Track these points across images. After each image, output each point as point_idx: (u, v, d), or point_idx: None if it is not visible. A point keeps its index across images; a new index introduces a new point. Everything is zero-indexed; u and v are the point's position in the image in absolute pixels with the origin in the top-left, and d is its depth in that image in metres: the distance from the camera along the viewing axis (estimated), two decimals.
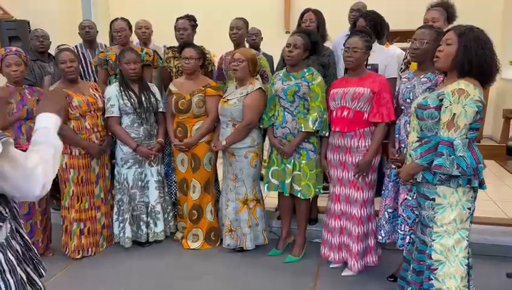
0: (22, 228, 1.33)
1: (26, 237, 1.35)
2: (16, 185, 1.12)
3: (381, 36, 3.12)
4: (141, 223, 3.26)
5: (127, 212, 3.22)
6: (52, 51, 3.93)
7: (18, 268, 1.22)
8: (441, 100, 1.95)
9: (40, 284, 1.33)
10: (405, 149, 2.47)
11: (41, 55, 3.77)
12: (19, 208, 1.32)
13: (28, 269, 1.28)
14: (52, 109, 1.34)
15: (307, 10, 3.34)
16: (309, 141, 2.89)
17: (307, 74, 2.83)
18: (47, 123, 1.31)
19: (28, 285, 1.26)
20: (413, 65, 2.79)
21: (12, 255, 1.21)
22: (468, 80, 1.93)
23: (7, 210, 1.22)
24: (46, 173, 1.17)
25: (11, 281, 1.16)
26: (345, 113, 2.65)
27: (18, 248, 1.27)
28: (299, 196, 2.92)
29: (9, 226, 1.25)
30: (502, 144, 5.37)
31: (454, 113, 1.89)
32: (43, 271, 1.39)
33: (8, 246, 1.22)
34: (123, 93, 3.11)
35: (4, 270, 1.15)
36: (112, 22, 3.56)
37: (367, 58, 2.69)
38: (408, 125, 2.44)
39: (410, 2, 5.85)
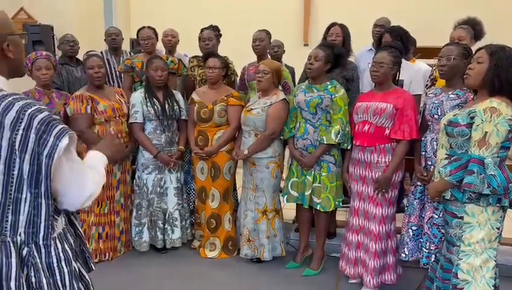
0: (76, 220, 1.37)
1: (80, 229, 1.38)
2: (67, 187, 1.16)
3: (407, 52, 3.11)
4: (157, 229, 3.27)
5: (145, 216, 3.24)
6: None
7: (73, 261, 1.25)
8: (472, 118, 1.94)
9: (87, 278, 1.35)
10: (431, 166, 2.45)
11: (70, 59, 3.84)
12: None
13: (78, 264, 1.30)
14: (105, 151, 1.42)
15: (333, 24, 3.35)
16: (330, 154, 2.88)
17: (330, 86, 2.84)
18: (94, 162, 1.37)
19: (79, 279, 1.29)
20: (440, 81, 2.79)
21: (68, 246, 1.25)
22: (499, 98, 1.92)
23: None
24: (96, 184, 1.22)
25: (65, 269, 1.20)
26: (366, 127, 2.65)
27: (72, 241, 1.30)
28: (318, 208, 2.91)
29: (63, 219, 1.29)
30: None
31: (486, 132, 1.88)
32: (92, 265, 1.42)
33: (65, 237, 1.26)
34: (147, 100, 3.15)
35: (60, 259, 1.19)
36: (139, 30, 3.63)
37: (398, 74, 2.68)
38: (435, 142, 2.43)
39: (432, 19, 5.88)
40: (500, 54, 1.94)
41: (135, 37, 3.87)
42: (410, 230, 2.60)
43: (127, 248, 3.36)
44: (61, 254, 1.20)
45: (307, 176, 2.92)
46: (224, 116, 3.18)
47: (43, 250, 1.17)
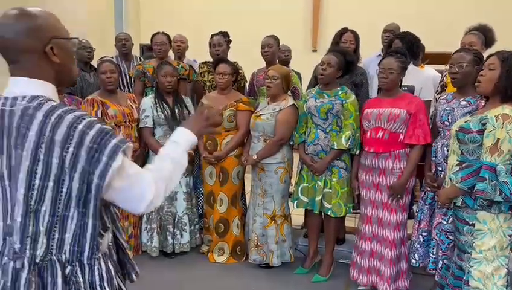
0: (119, 232, 1.31)
1: (122, 240, 1.33)
2: (125, 198, 1.12)
3: (416, 58, 3.11)
4: (167, 233, 3.28)
5: (155, 221, 3.25)
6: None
7: (115, 277, 1.22)
8: (484, 124, 1.94)
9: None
10: (442, 172, 2.44)
11: (84, 65, 3.89)
12: (118, 212, 1.31)
13: (118, 279, 1.27)
14: (192, 127, 1.33)
15: (345, 30, 3.34)
16: (341, 159, 2.88)
17: (341, 92, 2.84)
18: (179, 138, 1.29)
19: None
20: (450, 87, 2.78)
21: (112, 264, 1.22)
22: (511, 104, 1.91)
23: (110, 218, 1.23)
24: (157, 190, 1.14)
25: (107, 289, 1.17)
26: (380, 134, 2.64)
27: (115, 257, 1.27)
28: (329, 213, 2.90)
29: (110, 235, 1.25)
30: None
31: (498, 138, 1.87)
32: (134, 277, 1.37)
33: (109, 255, 1.23)
34: (157, 105, 3.18)
35: (103, 279, 1.16)
36: (153, 36, 3.67)
37: (401, 79, 2.69)
38: (445, 148, 2.42)
39: (441, 24, 5.88)
40: (511, 61, 1.94)
41: (145, 42, 3.91)
42: (420, 236, 2.59)
43: (137, 252, 3.37)
44: (104, 274, 1.16)
45: (318, 182, 2.92)
46: (233, 121, 3.20)
47: (86, 269, 1.13)
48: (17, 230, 1.07)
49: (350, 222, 3.60)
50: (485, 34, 2.94)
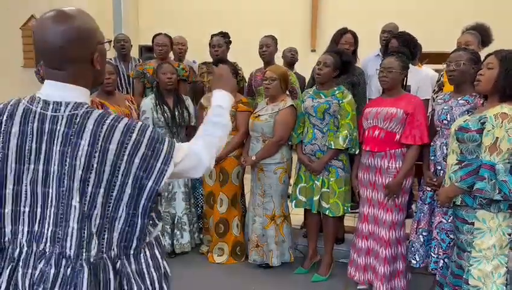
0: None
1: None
2: (183, 171, 1.19)
3: (414, 57, 3.12)
4: (165, 233, 3.28)
5: None
6: None
7: (161, 264, 1.26)
8: (483, 123, 1.94)
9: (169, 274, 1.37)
10: (441, 171, 2.45)
11: None
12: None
13: (165, 263, 1.31)
14: (226, 87, 1.39)
15: (345, 31, 3.34)
16: (338, 159, 2.89)
17: (337, 92, 2.85)
18: (222, 102, 1.35)
19: (164, 279, 1.30)
20: (447, 87, 2.79)
21: (159, 251, 1.26)
22: (510, 104, 1.92)
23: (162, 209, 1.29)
24: (211, 156, 1.24)
25: (154, 274, 1.21)
26: (376, 133, 2.65)
27: (162, 244, 1.32)
28: (327, 213, 2.91)
29: (161, 223, 1.31)
30: None
31: (497, 137, 1.87)
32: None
33: (157, 242, 1.27)
34: (158, 106, 3.18)
35: (149, 265, 1.20)
36: (155, 36, 3.68)
37: (405, 79, 2.69)
38: (444, 147, 2.42)
39: (441, 24, 5.88)
40: (510, 60, 1.94)
41: (143, 44, 3.91)
42: (420, 236, 2.59)
43: None
44: (149, 260, 1.20)
45: (316, 181, 2.92)
46: (232, 121, 3.20)
47: (132, 259, 1.17)
48: (71, 235, 1.08)
49: (349, 222, 3.60)
50: (482, 34, 2.95)
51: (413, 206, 3.40)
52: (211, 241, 3.37)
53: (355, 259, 2.86)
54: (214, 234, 3.31)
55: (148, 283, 1.19)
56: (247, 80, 3.75)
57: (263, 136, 3.05)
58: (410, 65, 3.04)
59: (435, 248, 2.47)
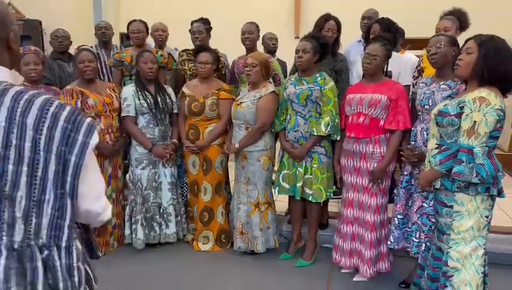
0: None
1: None
2: (89, 187, 1.14)
3: (396, 43, 3.12)
4: (154, 224, 3.26)
5: (140, 213, 3.22)
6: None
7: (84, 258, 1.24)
8: (462, 108, 1.96)
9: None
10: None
11: (62, 54, 3.80)
12: None
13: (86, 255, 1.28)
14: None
15: (328, 18, 3.30)
16: (321, 145, 2.90)
17: (319, 78, 2.85)
18: None
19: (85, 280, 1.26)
20: (427, 72, 2.81)
21: (81, 242, 1.23)
22: (489, 88, 1.94)
23: None
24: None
25: (82, 269, 1.18)
26: (361, 119, 2.66)
27: (83, 236, 1.29)
28: (310, 199, 2.93)
29: None
30: (509, 153, 5.40)
31: (475, 121, 1.90)
32: (99, 253, 1.39)
33: (80, 233, 1.24)
34: (139, 93, 3.13)
35: (79, 259, 1.17)
36: (129, 24, 3.59)
37: (387, 66, 2.70)
38: (425, 132, 2.45)
39: (420, 10, 5.90)
40: (488, 44, 1.95)
41: (125, 31, 3.84)
42: (396, 218, 2.64)
43: (121, 242, 3.35)
44: (80, 255, 1.18)
45: (298, 168, 2.93)
46: (215, 109, 3.18)
47: (63, 253, 1.13)
48: None
49: (333, 207, 3.64)
50: (460, 18, 2.97)
51: (395, 191, 3.44)
52: (196, 230, 3.37)
53: (340, 244, 2.89)
54: (199, 222, 3.31)
55: (76, 279, 1.15)
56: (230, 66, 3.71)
57: (246, 124, 3.04)
58: (392, 51, 3.06)
59: (416, 233, 2.51)
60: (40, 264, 1.09)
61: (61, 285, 1.12)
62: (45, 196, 1.07)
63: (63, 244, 1.12)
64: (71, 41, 3.91)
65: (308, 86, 2.84)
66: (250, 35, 3.42)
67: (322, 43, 2.85)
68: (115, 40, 4.26)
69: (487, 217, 2.01)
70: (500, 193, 2.01)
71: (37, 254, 1.09)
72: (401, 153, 2.58)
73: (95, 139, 1.08)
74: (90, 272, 1.28)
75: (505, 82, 1.96)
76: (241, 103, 3.06)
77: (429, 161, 2.10)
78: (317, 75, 2.87)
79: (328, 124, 2.79)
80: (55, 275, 1.11)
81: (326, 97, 2.80)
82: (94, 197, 1.16)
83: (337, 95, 2.85)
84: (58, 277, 1.12)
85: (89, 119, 1.10)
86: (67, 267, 1.14)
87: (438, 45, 2.41)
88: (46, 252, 1.11)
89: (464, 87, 2.25)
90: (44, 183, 1.06)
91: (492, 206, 2.03)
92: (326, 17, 3.33)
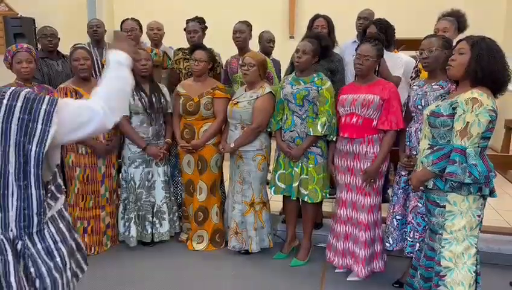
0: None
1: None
2: (79, 126, 1.15)
3: (389, 44, 3.14)
4: (146, 223, 3.25)
5: (133, 211, 3.22)
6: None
7: (68, 237, 1.24)
8: (454, 108, 1.98)
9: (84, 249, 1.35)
10: (416, 156, 2.49)
11: (50, 53, 3.76)
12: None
13: (76, 236, 1.29)
14: (123, 49, 1.39)
15: (317, 16, 3.34)
16: (317, 145, 2.90)
17: (317, 78, 2.85)
18: (120, 58, 1.36)
19: (76, 251, 1.27)
20: (424, 73, 2.83)
21: (64, 225, 1.23)
22: (481, 89, 1.96)
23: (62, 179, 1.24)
24: (110, 107, 1.21)
25: (63, 249, 1.19)
26: (354, 119, 2.67)
27: (67, 216, 1.29)
28: (306, 199, 2.93)
29: (63, 197, 1.28)
30: (503, 154, 5.44)
31: (468, 122, 1.91)
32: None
33: (60, 216, 1.24)
34: (134, 92, 3.11)
35: (56, 241, 1.18)
36: (122, 22, 3.58)
37: (378, 65, 2.71)
38: (419, 132, 2.46)
39: (417, 11, 5.94)
40: (481, 45, 1.97)
41: (118, 29, 3.82)
42: (394, 220, 2.65)
43: (114, 242, 3.34)
44: (56, 236, 1.18)
45: (294, 168, 2.94)
46: (210, 109, 3.18)
47: (35, 238, 1.14)
48: None
49: (327, 207, 3.65)
50: (458, 19, 2.99)
51: (389, 191, 3.46)
52: (190, 229, 3.36)
53: (333, 244, 2.90)
54: (193, 221, 3.30)
55: (58, 259, 1.17)
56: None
57: (242, 123, 3.04)
58: (385, 51, 3.08)
59: (410, 232, 2.52)
60: (10, 258, 1.09)
61: (43, 269, 1.13)
62: (8, 190, 1.07)
63: (34, 230, 1.13)
64: (59, 38, 3.86)
65: (306, 86, 2.84)
66: (241, 34, 3.42)
67: (324, 46, 2.86)
68: (110, 39, 4.24)
69: (479, 216, 2.03)
70: (492, 193, 2.03)
71: (7, 247, 1.09)
72: (399, 163, 2.59)
73: (54, 127, 1.06)
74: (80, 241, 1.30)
75: (497, 82, 1.98)
76: (237, 102, 3.06)
77: (421, 161, 2.12)
78: (315, 75, 2.87)
79: (325, 125, 2.80)
80: (35, 261, 1.12)
81: (323, 97, 2.81)
82: (81, 124, 1.16)
83: (333, 96, 2.86)
84: (38, 263, 1.12)
85: (45, 106, 1.07)
86: (45, 250, 1.14)
87: (430, 48, 2.43)
88: (20, 242, 1.11)
89: (454, 87, 2.27)
90: (6, 177, 1.06)
91: (484, 205, 2.05)
92: (315, 17, 3.37)
